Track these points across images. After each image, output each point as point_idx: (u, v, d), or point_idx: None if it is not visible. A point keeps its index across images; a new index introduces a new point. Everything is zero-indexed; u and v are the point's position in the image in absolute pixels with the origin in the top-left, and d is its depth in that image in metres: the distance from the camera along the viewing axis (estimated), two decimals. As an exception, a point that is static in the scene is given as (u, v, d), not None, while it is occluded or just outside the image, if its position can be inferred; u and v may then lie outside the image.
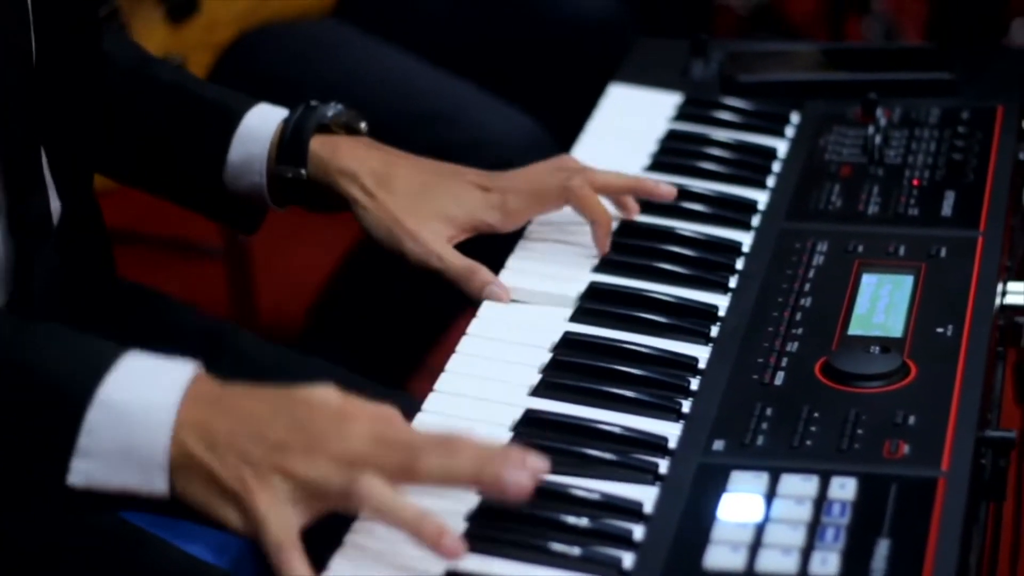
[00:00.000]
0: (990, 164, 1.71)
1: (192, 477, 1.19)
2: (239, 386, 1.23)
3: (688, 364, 1.44)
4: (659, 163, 1.78)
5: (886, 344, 1.41)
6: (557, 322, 1.51)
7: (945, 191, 1.67)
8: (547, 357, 1.46)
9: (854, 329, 1.45)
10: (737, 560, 1.19)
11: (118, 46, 1.67)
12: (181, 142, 1.64)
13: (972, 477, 1.26)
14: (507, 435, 1.36)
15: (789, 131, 1.83)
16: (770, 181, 1.74)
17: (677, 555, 1.20)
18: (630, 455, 1.32)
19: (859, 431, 1.31)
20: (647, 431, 1.35)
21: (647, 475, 1.30)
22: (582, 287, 1.55)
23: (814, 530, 1.21)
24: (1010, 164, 1.72)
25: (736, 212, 1.68)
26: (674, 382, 1.41)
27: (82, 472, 1.20)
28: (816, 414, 1.34)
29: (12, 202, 1.41)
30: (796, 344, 1.44)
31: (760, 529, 1.21)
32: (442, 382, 1.43)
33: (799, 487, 1.25)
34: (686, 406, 1.38)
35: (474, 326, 1.51)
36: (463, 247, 1.58)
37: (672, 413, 1.38)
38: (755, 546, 1.20)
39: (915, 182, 1.69)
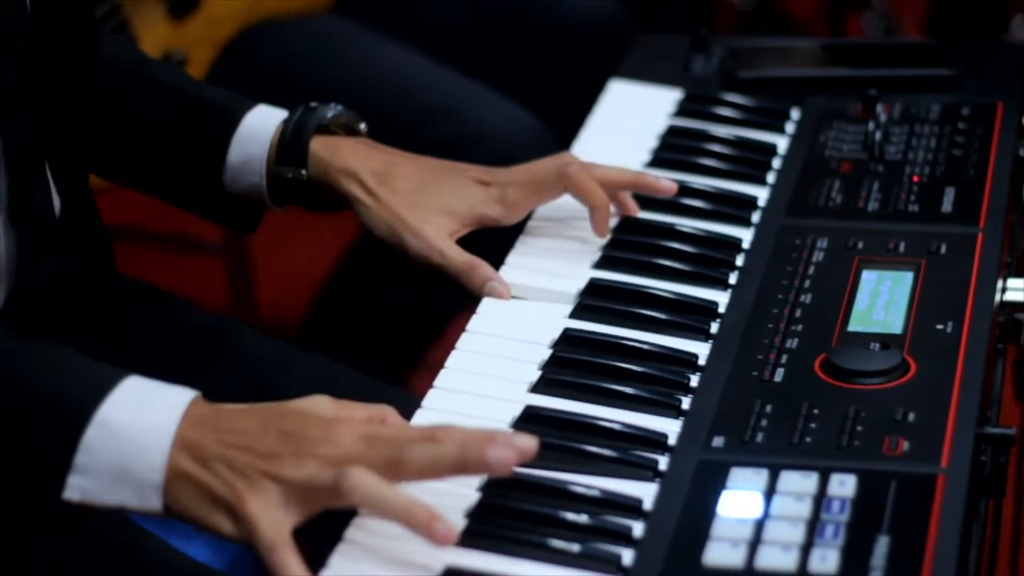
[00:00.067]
0: (990, 160, 1.71)
1: (183, 491, 1.20)
2: (234, 405, 1.24)
3: (688, 360, 1.44)
4: (659, 159, 1.78)
5: (886, 341, 1.41)
6: (557, 318, 1.51)
7: (945, 187, 1.67)
8: (547, 353, 1.46)
9: (854, 326, 1.45)
10: (737, 557, 1.19)
11: (117, 48, 1.67)
12: (180, 143, 1.64)
13: (972, 474, 1.26)
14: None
15: (789, 127, 1.83)
16: (770, 177, 1.74)
17: (677, 551, 1.20)
18: (630, 451, 1.32)
19: (859, 428, 1.31)
20: (647, 427, 1.35)
21: (647, 471, 1.30)
22: (582, 283, 1.55)
23: (814, 527, 1.20)
24: (1010, 160, 1.71)
25: (736, 208, 1.67)
26: (674, 378, 1.41)
27: (78, 489, 1.20)
28: (816, 411, 1.33)
29: (15, 196, 1.41)
30: (796, 341, 1.44)
31: (760, 526, 1.21)
32: (442, 378, 1.43)
33: (799, 484, 1.25)
34: (686, 403, 1.38)
35: (474, 322, 1.51)
36: (464, 244, 1.58)
37: (672, 409, 1.38)
38: (755, 543, 1.20)
39: (915, 178, 1.69)
